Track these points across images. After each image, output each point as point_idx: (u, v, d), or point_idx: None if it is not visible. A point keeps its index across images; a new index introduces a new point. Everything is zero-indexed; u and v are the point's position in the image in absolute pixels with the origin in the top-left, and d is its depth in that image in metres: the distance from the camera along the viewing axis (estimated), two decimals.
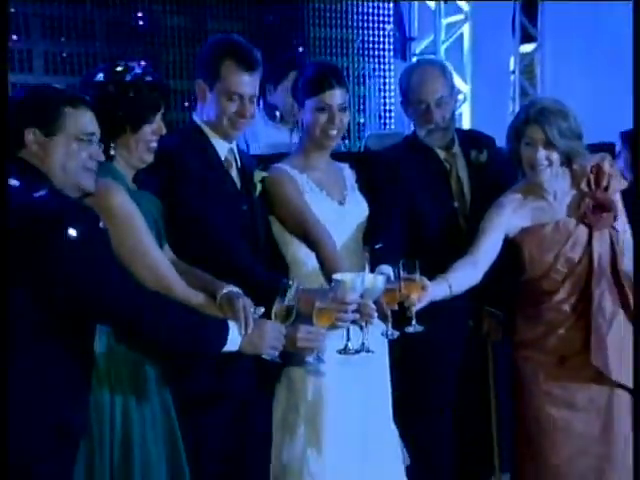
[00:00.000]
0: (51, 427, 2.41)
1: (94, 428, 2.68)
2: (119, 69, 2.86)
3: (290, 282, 2.87)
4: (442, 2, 8.41)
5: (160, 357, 2.84)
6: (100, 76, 2.86)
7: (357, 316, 2.93)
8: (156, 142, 2.90)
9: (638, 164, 3.36)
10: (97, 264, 2.42)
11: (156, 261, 2.79)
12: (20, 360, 2.35)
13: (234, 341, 2.66)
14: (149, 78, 2.89)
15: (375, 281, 3.00)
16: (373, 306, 2.97)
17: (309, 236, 3.23)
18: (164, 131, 2.91)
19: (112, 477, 2.71)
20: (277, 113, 4.77)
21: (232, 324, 2.67)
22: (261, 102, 4.51)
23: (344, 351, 3.00)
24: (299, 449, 3.25)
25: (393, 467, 3.43)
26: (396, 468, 3.45)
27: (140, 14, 7.16)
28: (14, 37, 6.50)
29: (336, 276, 2.95)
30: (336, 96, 3.31)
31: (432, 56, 7.96)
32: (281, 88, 4.67)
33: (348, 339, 3.00)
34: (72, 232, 2.34)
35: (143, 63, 2.94)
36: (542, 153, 3.39)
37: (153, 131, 2.87)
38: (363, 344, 2.99)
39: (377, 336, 3.12)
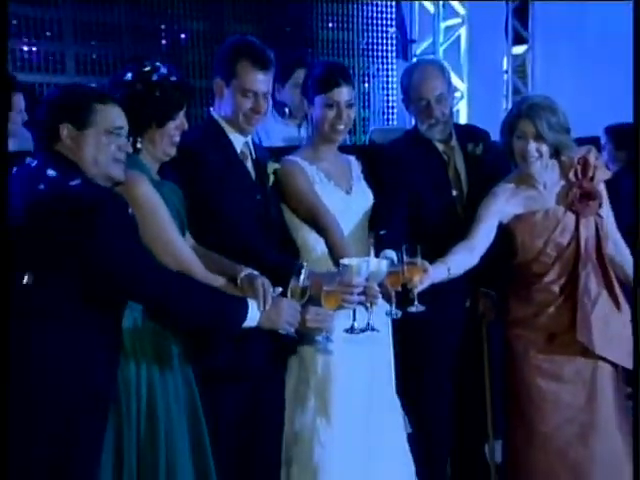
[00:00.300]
0: (86, 393, 2.43)
1: (122, 400, 2.68)
2: (146, 69, 2.85)
3: (304, 266, 2.86)
4: (441, 6, 8.40)
5: (183, 335, 2.84)
6: (129, 76, 2.85)
7: (363, 298, 2.92)
8: (179, 137, 2.89)
9: (638, 163, 3.34)
10: (128, 246, 2.44)
11: (178, 247, 2.78)
12: (58, 333, 2.38)
13: (253, 317, 2.65)
14: (174, 78, 2.88)
15: (379, 265, 3.00)
16: (377, 288, 2.96)
17: (318, 223, 3.23)
18: (186, 127, 2.91)
19: (139, 447, 2.71)
20: (286, 110, 4.75)
21: (251, 302, 2.67)
22: (270, 100, 4.53)
23: (351, 330, 3.00)
24: (309, 419, 3.25)
25: (396, 435, 3.43)
26: (399, 435, 3.45)
27: (163, 19, 7.16)
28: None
29: (343, 261, 2.94)
30: (343, 93, 3.30)
31: (431, 56, 7.95)
32: (289, 86, 4.64)
33: (354, 319, 2.99)
34: (105, 217, 2.37)
35: (167, 64, 2.94)
36: (533, 145, 3.39)
37: (176, 127, 2.87)
38: (368, 323, 2.99)
39: (382, 316, 3.13)
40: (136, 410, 2.71)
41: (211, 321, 2.66)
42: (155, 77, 2.84)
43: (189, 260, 2.80)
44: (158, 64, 2.88)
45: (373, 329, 3.00)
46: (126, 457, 2.69)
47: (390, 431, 3.40)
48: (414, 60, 7.97)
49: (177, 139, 2.89)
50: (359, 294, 2.91)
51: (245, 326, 2.65)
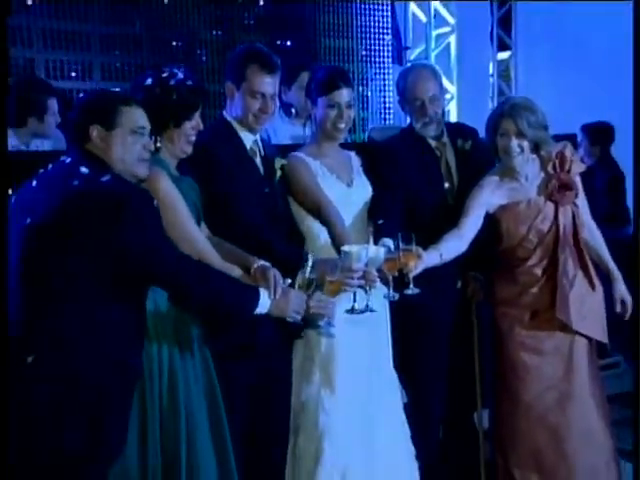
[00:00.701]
0: (115, 367, 2.41)
1: (146, 376, 2.67)
2: (165, 75, 2.83)
3: (310, 258, 2.85)
4: (432, 16, 8.38)
5: (201, 317, 2.82)
6: (149, 81, 2.83)
7: (362, 282, 2.90)
8: (195, 136, 2.87)
9: (638, 162, 3.32)
10: (154, 235, 2.43)
11: (195, 238, 2.77)
12: (90, 314, 2.37)
13: (264, 305, 2.63)
14: (189, 82, 2.85)
15: (377, 252, 2.97)
16: (375, 273, 2.94)
17: (321, 214, 3.20)
18: (202, 127, 2.89)
19: (161, 418, 2.70)
20: (292, 110, 4.73)
21: (262, 291, 2.64)
22: (277, 101, 4.52)
23: (351, 311, 2.98)
24: (315, 391, 3.24)
25: (393, 403, 3.42)
26: (396, 405, 3.43)
27: (179, 31, 7.16)
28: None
29: (344, 248, 2.92)
30: (344, 95, 3.28)
31: (424, 61, 7.93)
32: (294, 88, 4.61)
33: (355, 301, 2.97)
34: (134, 209, 2.37)
35: (184, 70, 2.92)
36: (514, 142, 3.38)
37: (192, 127, 2.85)
38: (367, 305, 2.97)
39: (380, 298, 3.11)
40: (158, 385, 2.70)
41: (226, 305, 2.64)
42: (173, 82, 2.82)
43: (205, 250, 2.78)
44: (175, 70, 2.86)
45: (371, 310, 2.98)
46: (150, 428, 2.68)
47: (388, 401, 3.39)
48: (408, 65, 7.97)
49: (193, 138, 2.87)
50: (359, 278, 2.89)
51: (256, 313, 2.63)
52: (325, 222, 3.20)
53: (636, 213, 3.45)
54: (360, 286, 2.92)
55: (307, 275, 2.81)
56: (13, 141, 4.35)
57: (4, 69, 2.83)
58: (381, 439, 3.31)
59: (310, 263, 2.84)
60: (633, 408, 3.05)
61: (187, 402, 2.73)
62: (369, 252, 2.94)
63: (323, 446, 3.20)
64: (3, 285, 2.40)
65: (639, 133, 3.28)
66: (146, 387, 2.68)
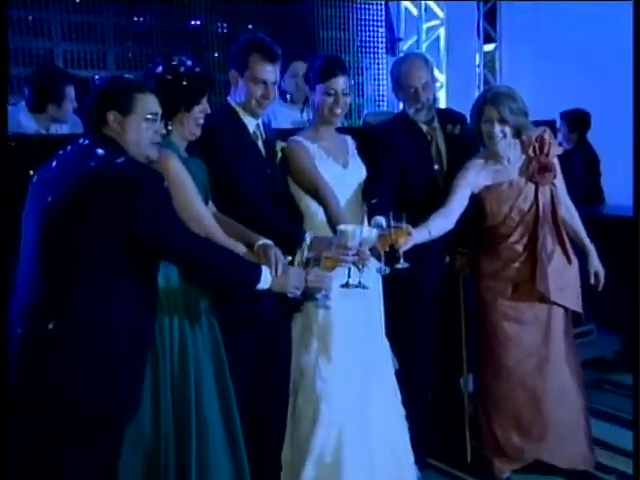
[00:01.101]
0: (128, 336, 2.40)
1: (158, 346, 2.66)
2: (174, 63, 2.79)
3: (308, 237, 2.84)
4: (423, 10, 8.34)
5: (208, 290, 2.80)
6: (160, 68, 2.79)
7: (356, 258, 2.88)
8: (203, 119, 2.84)
9: (638, 161, 3.31)
10: (165, 214, 2.40)
11: (202, 216, 2.73)
12: (105, 287, 2.35)
13: (266, 281, 2.60)
14: (197, 69, 2.82)
15: (370, 233, 2.95)
16: (368, 252, 2.92)
17: (318, 194, 3.17)
18: (209, 111, 2.85)
19: (172, 384, 2.69)
20: (287, 96, 4.70)
21: (264, 268, 2.61)
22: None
23: (346, 286, 2.96)
24: (313, 358, 3.23)
25: (386, 369, 3.41)
26: (388, 370, 3.43)
27: (187, 23, 7.11)
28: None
29: (340, 227, 2.90)
30: (340, 82, 3.23)
31: (417, 51, 7.90)
32: (286, 76, 4.59)
33: (349, 276, 2.95)
34: (146, 188, 2.34)
35: (192, 58, 2.88)
36: (497, 128, 3.37)
37: (200, 110, 2.81)
38: (360, 282, 2.94)
39: (373, 274, 3.09)
40: (170, 355, 2.69)
41: (231, 281, 2.61)
42: (182, 69, 2.78)
43: (211, 227, 2.74)
44: (184, 58, 2.83)
45: (364, 287, 2.96)
46: (162, 394, 2.67)
47: (381, 368, 3.38)
48: (401, 55, 7.94)
49: (201, 121, 2.83)
50: (353, 255, 2.87)
51: (258, 288, 2.60)
52: (321, 202, 3.17)
53: (636, 201, 3.43)
54: (354, 263, 2.90)
55: (305, 253, 2.79)
56: (34, 126, 4.32)
57: (4, 65, 2.79)
58: (374, 402, 3.31)
59: (308, 242, 2.82)
60: (633, 407, 3.05)
61: (196, 370, 2.72)
62: (363, 232, 2.92)
63: (320, 408, 3.19)
64: (3, 285, 2.39)
65: (639, 129, 3.26)
66: (159, 356, 2.66)
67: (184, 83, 2.77)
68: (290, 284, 2.67)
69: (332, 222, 3.08)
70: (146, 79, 2.79)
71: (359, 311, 3.27)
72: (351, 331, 3.25)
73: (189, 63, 2.82)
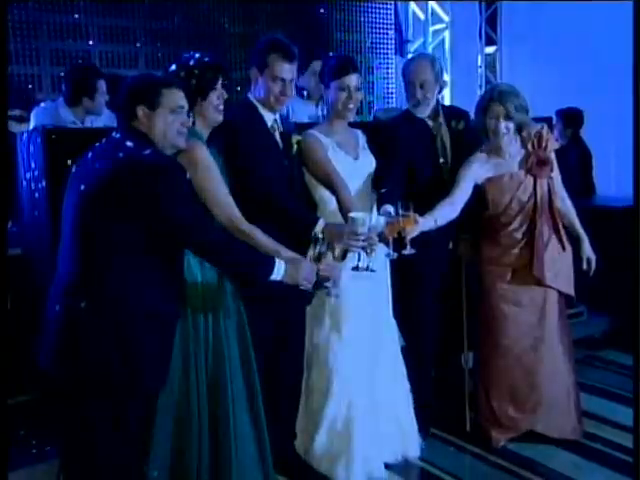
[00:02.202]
0: (154, 315, 2.38)
1: (190, 331, 2.65)
2: (184, 59, 2.77)
3: (320, 230, 2.81)
4: (429, 14, 8.28)
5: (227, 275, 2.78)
6: (173, 67, 2.77)
7: (365, 244, 2.85)
8: (222, 105, 2.78)
9: (638, 161, 3.26)
10: (186, 202, 2.37)
11: (227, 203, 2.69)
12: (132, 269, 2.33)
13: (279, 273, 2.55)
14: (207, 59, 2.78)
15: (378, 220, 2.93)
16: (376, 238, 2.89)
17: (331, 184, 3.12)
18: (226, 95, 2.80)
19: (207, 369, 2.69)
20: (305, 92, 4.66)
21: (278, 261, 2.56)
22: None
23: (356, 269, 2.94)
24: (325, 334, 3.22)
25: (392, 346, 3.39)
26: (394, 347, 3.40)
27: (211, 25, 7.09)
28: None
29: (351, 214, 2.87)
30: (353, 79, 3.19)
31: (427, 52, 7.86)
32: (307, 74, 4.54)
33: (359, 260, 2.93)
34: (169, 178, 2.32)
35: (200, 52, 2.84)
36: (502, 124, 3.34)
37: (217, 96, 2.76)
38: (368, 266, 2.92)
39: (381, 257, 3.06)
40: (204, 340, 2.68)
41: (246, 271, 2.57)
42: (192, 62, 2.75)
43: (236, 213, 2.70)
44: (193, 53, 2.80)
45: (372, 270, 2.93)
46: (193, 369, 2.66)
47: (388, 344, 3.36)
48: (408, 56, 7.91)
49: (221, 107, 2.78)
50: (362, 241, 2.84)
51: (272, 279, 2.56)
52: (333, 191, 3.13)
53: (636, 195, 3.38)
54: (363, 248, 2.87)
55: (319, 248, 2.74)
56: (71, 118, 4.31)
57: (4, 65, 2.76)
58: (382, 376, 3.30)
59: (321, 235, 2.77)
60: (633, 406, 3.02)
61: (228, 350, 2.71)
62: (372, 219, 2.90)
63: (332, 381, 3.18)
64: (3, 285, 2.37)
65: (639, 126, 3.21)
66: (189, 338, 2.65)
67: (196, 72, 2.73)
68: (302, 277, 2.62)
69: (343, 209, 3.04)
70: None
71: (368, 292, 3.24)
72: (360, 310, 3.22)
73: (197, 55, 2.79)
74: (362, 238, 2.82)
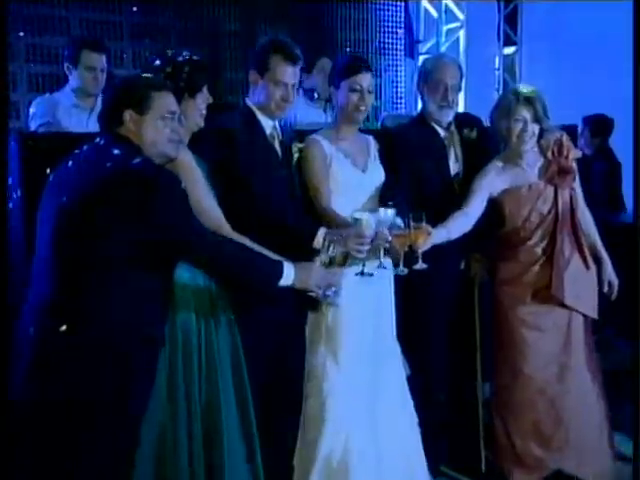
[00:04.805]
0: (142, 338, 2.42)
1: (179, 342, 2.68)
2: (171, 54, 2.84)
3: (321, 237, 2.87)
4: (443, 11, 8.31)
5: (230, 288, 2.82)
6: (157, 62, 2.81)
7: (371, 247, 2.91)
8: (205, 109, 2.84)
9: (638, 161, 3.31)
10: (184, 214, 2.42)
11: (214, 211, 2.75)
12: (119, 288, 2.37)
13: (289, 277, 2.60)
14: (195, 58, 2.85)
15: (386, 213, 2.99)
16: (387, 232, 2.95)
17: (318, 200, 3.18)
18: (210, 100, 2.86)
19: (200, 384, 2.71)
20: (315, 94, 4.69)
21: (287, 264, 2.61)
22: (301, 89, 4.41)
23: (361, 274, 3.01)
24: (320, 360, 3.23)
25: (396, 375, 3.40)
26: (399, 375, 3.41)
27: (204, 22, 7.14)
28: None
29: (355, 215, 2.93)
30: (366, 79, 3.26)
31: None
32: (315, 71, 4.57)
33: (364, 265, 3.00)
34: (162, 189, 2.35)
35: (186, 50, 2.91)
36: (531, 127, 3.40)
37: (203, 100, 2.83)
38: (380, 263, 3.00)
39: (384, 275, 3.11)
40: (197, 351, 2.71)
41: (253, 278, 2.60)
42: (181, 58, 2.81)
43: (223, 223, 2.75)
44: (180, 49, 2.86)
45: (384, 267, 3.00)
46: (180, 387, 2.67)
47: (391, 371, 3.36)
48: (420, 58, 7.95)
49: (204, 111, 2.84)
50: (368, 244, 2.90)
51: (281, 284, 2.60)
52: (321, 209, 3.17)
53: (636, 204, 3.42)
54: (378, 248, 2.92)
55: (329, 252, 2.80)
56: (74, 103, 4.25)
57: (4, 66, 2.81)
58: (384, 407, 3.30)
59: (326, 241, 2.83)
60: (633, 406, 3.03)
61: (220, 365, 2.75)
62: (379, 214, 2.96)
63: (327, 412, 3.18)
64: (3, 285, 2.41)
65: (639, 128, 3.26)
66: (178, 350, 2.67)
67: (186, 69, 2.78)
68: (313, 282, 2.67)
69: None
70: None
71: (369, 313, 3.27)
72: (360, 333, 3.25)
73: (186, 53, 2.85)
74: (368, 241, 2.85)
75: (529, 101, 3.38)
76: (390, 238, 2.97)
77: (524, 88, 3.49)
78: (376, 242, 2.94)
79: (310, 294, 2.75)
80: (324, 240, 2.85)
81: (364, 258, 2.96)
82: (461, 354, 3.76)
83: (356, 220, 2.89)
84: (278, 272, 2.59)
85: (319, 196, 3.19)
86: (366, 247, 2.88)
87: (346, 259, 2.90)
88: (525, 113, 3.38)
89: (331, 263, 2.81)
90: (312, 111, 4.53)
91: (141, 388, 2.48)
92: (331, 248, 2.80)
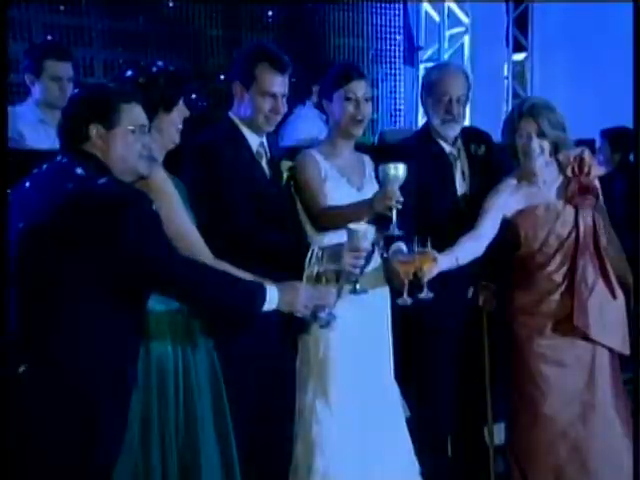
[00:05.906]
0: (111, 379, 2.38)
1: (153, 376, 2.65)
2: (143, 64, 2.84)
3: (315, 252, 2.83)
4: (445, 15, 8.38)
5: (209, 318, 2.80)
6: (129, 73, 2.79)
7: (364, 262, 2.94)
8: (181, 124, 2.82)
9: (638, 162, 3.32)
10: (156, 238, 2.39)
11: (189, 232, 2.72)
12: (84, 323, 2.34)
13: (272, 300, 2.56)
14: (171, 68, 2.84)
15: (398, 169, 3.01)
16: (398, 192, 2.97)
17: (312, 215, 3.20)
18: (187, 113, 2.84)
19: (177, 417, 2.69)
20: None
21: (269, 286, 2.57)
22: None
23: (354, 291, 3.01)
24: (309, 399, 3.22)
25: (394, 417, 3.38)
26: (397, 418, 3.40)
27: (183, 28, 7.19)
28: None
29: (350, 226, 2.92)
30: (361, 86, 3.27)
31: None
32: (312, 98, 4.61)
33: (356, 282, 2.99)
34: (134, 212, 2.33)
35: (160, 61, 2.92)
36: (535, 142, 3.39)
37: (179, 114, 2.81)
38: (382, 253, 3.04)
39: (380, 305, 3.12)
40: (174, 381, 2.69)
41: (234, 304, 2.58)
42: (155, 69, 2.80)
43: (199, 245, 2.73)
44: (154, 60, 2.85)
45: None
46: (156, 424, 2.66)
47: (388, 414, 3.35)
48: (420, 66, 8.00)
49: (180, 126, 2.82)
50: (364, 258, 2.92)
51: (266, 309, 2.56)
52: (320, 212, 3.19)
53: (636, 213, 3.43)
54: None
55: (316, 268, 2.77)
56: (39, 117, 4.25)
57: (4, 65, 2.80)
58: (379, 453, 3.29)
59: (319, 255, 2.80)
60: (633, 406, 3.01)
61: (198, 399, 2.73)
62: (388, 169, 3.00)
63: (315, 456, 3.19)
64: (3, 285, 2.38)
65: (638, 134, 3.28)
66: (152, 390, 2.65)
67: (161, 81, 2.77)
68: (299, 302, 2.63)
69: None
70: None
71: (363, 347, 3.27)
72: (353, 370, 3.24)
73: (160, 63, 2.86)
74: (363, 255, 2.87)
75: (533, 114, 3.37)
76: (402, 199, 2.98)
77: (530, 100, 3.51)
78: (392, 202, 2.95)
79: (299, 316, 2.71)
80: (315, 254, 2.82)
81: (357, 275, 2.96)
82: (469, 394, 3.73)
83: (353, 231, 2.87)
84: (261, 296, 2.55)
85: (315, 200, 3.20)
86: (362, 262, 2.87)
87: (338, 276, 2.88)
88: (528, 128, 3.38)
89: (318, 278, 2.77)
90: (317, 117, 4.54)
91: (112, 434, 2.42)
92: (318, 263, 2.77)
